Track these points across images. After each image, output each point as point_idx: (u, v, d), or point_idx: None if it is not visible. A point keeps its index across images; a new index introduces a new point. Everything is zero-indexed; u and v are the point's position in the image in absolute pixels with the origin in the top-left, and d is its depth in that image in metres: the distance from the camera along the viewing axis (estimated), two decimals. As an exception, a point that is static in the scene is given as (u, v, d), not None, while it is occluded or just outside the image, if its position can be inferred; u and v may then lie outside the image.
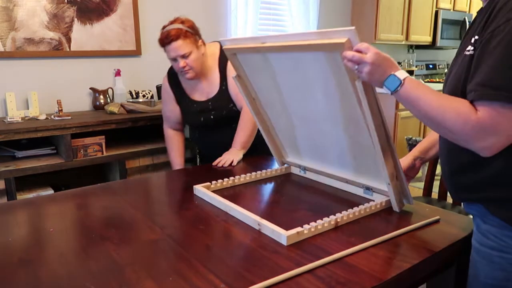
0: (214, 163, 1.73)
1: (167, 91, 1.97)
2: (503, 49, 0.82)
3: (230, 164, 1.71)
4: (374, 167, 1.22)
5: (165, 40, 1.73)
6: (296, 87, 1.27)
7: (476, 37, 0.91)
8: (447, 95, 0.94)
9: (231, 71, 1.78)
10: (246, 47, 1.28)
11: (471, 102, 0.87)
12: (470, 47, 0.92)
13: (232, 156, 1.75)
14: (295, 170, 1.58)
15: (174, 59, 1.77)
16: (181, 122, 2.03)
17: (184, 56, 1.74)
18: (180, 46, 1.72)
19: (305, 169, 1.51)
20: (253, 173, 1.49)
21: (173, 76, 1.95)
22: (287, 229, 1.01)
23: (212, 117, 1.88)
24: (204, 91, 1.90)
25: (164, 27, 1.77)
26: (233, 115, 1.88)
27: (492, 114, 0.83)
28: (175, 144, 2.04)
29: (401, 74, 0.93)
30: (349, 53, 0.94)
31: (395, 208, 1.19)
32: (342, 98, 1.14)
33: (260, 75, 1.36)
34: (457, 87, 0.93)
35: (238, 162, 1.74)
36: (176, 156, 2.02)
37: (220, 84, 1.87)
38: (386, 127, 1.09)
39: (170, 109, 1.99)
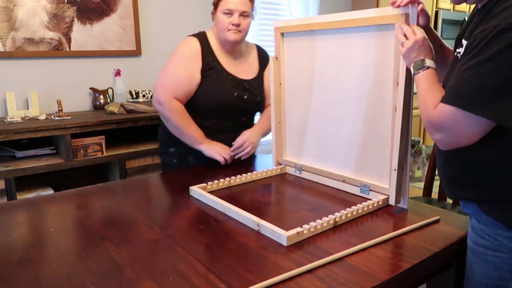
0: (235, 146, 1.68)
1: (194, 56, 1.66)
2: (469, 59, 0.86)
3: (237, 158, 1.69)
4: (379, 160, 1.25)
5: None
6: (332, 68, 1.37)
7: (466, 41, 0.94)
8: (439, 88, 0.98)
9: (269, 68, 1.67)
10: (301, 25, 1.43)
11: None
12: (460, 49, 0.97)
13: (254, 139, 1.70)
14: (290, 170, 1.58)
15: (229, 13, 1.62)
16: (189, 97, 1.68)
17: (242, 14, 1.63)
18: (244, 2, 1.63)
19: (301, 168, 1.52)
20: (249, 174, 1.49)
21: (205, 43, 1.70)
22: (285, 229, 1.01)
23: (245, 97, 1.73)
24: (242, 69, 1.76)
25: None
26: (259, 109, 1.83)
27: (440, 114, 0.91)
28: (189, 117, 1.68)
29: (429, 63, 1.02)
30: (406, 26, 1.07)
31: (392, 201, 1.20)
32: (376, 79, 1.22)
33: (299, 56, 1.48)
34: None
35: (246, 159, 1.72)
36: (196, 129, 1.68)
37: (259, 70, 1.81)
38: (410, 114, 1.15)
39: (187, 76, 1.65)
